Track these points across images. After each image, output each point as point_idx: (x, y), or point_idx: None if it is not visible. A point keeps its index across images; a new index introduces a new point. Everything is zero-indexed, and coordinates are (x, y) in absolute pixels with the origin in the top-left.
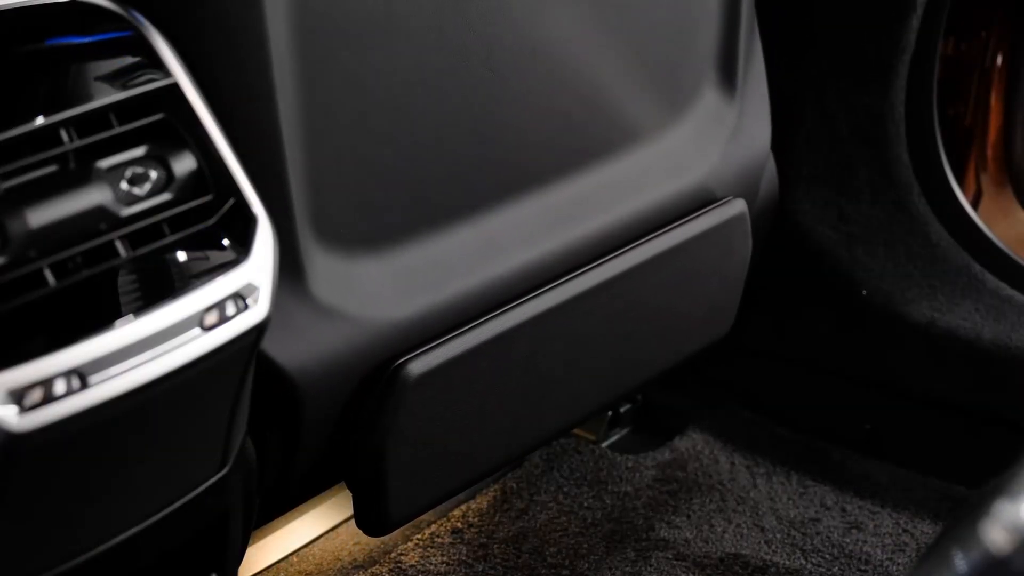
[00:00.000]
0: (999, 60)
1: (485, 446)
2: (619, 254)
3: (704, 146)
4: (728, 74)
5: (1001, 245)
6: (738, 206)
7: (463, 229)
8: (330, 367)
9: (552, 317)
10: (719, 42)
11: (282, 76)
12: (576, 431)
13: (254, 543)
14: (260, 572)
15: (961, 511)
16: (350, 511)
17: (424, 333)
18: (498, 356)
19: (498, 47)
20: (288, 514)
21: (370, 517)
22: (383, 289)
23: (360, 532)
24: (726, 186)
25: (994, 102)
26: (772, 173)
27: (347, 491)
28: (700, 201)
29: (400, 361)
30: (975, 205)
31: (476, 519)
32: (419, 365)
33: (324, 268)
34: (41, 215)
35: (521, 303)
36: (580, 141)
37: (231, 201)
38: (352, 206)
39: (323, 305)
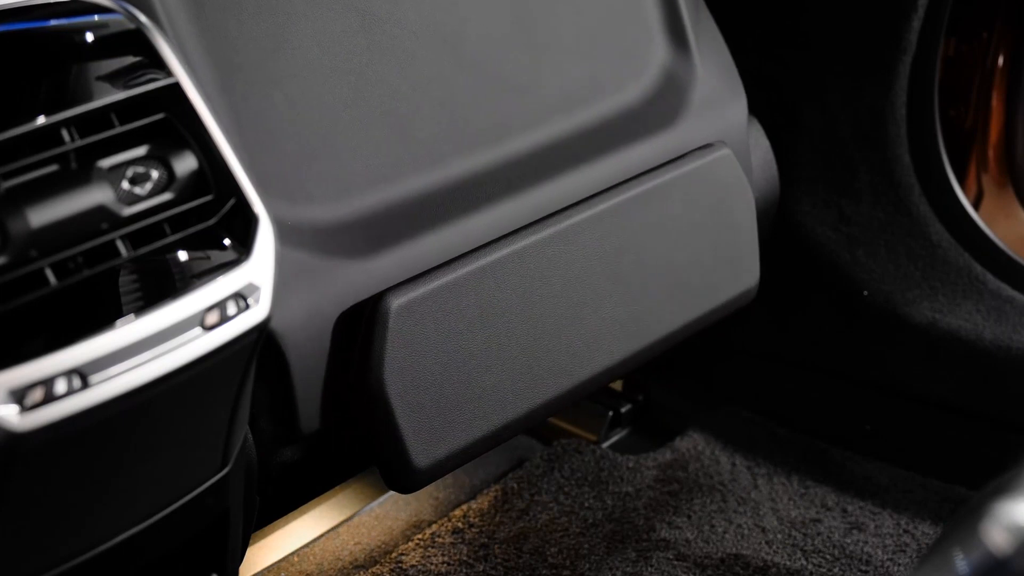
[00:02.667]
0: (1000, 60)
1: (494, 391)
2: (596, 195)
3: (667, 100)
4: (677, 34)
5: (1002, 246)
6: (721, 151)
7: (426, 181)
8: (306, 315)
9: (535, 253)
10: (661, 5)
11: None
12: (577, 431)
13: (254, 543)
14: (260, 572)
15: (962, 512)
16: (351, 511)
17: (402, 274)
18: (483, 291)
19: (454, 11)
20: (288, 514)
21: (395, 469)
22: (349, 237)
23: (361, 532)
24: (703, 138)
25: (995, 102)
26: (772, 172)
27: (347, 491)
28: (676, 152)
29: (379, 296)
30: (976, 206)
31: (477, 519)
32: (398, 297)
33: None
34: (42, 215)
35: (494, 241)
36: (536, 99)
37: (232, 201)
38: (296, 161)
39: (288, 258)
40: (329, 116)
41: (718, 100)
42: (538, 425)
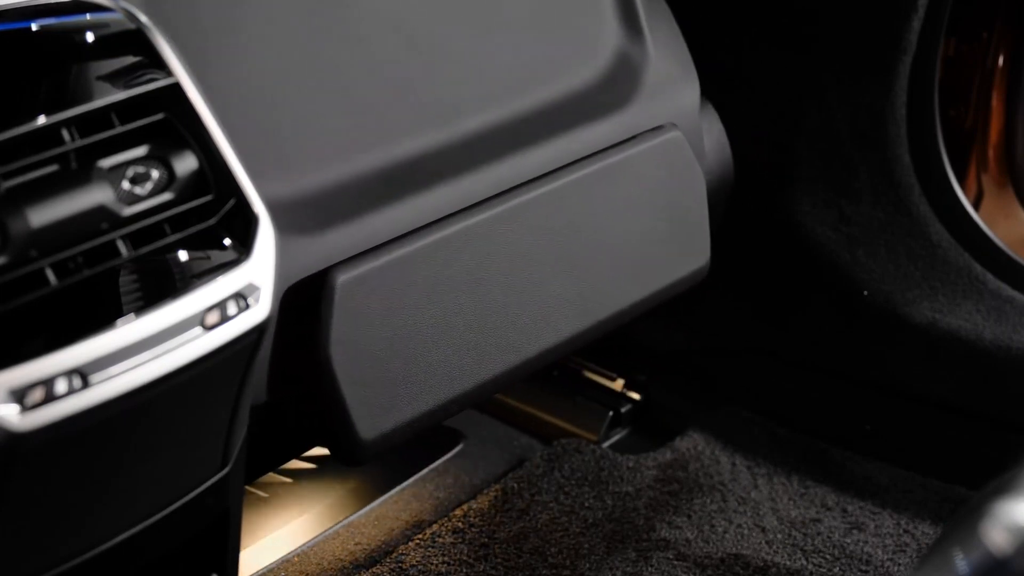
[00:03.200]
0: (1000, 60)
1: (440, 366)
2: (545, 175)
3: (619, 83)
4: (630, 17)
5: (1002, 246)
6: (671, 133)
7: (377, 159)
8: None
9: (483, 230)
10: None
11: None
12: (577, 431)
13: (255, 543)
14: (261, 572)
15: (962, 512)
16: (351, 511)
17: (351, 251)
18: (431, 267)
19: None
20: (288, 514)
21: (342, 442)
22: (299, 214)
23: (361, 532)
24: (654, 121)
25: (995, 103)
26: (726, 155)
27: (348, 491)
28: (627, 134)
29: (326, 271)
30: (976, 206)
31: (477, 519)
32: (345, 272)
33: None
34: (42, 215)
35: (443, 219)
36: (488, 80)
37: (232, 201)
38: (245, 139)
39: None
40: (278, 95)
41: (670, 83)
42: (485, 400)
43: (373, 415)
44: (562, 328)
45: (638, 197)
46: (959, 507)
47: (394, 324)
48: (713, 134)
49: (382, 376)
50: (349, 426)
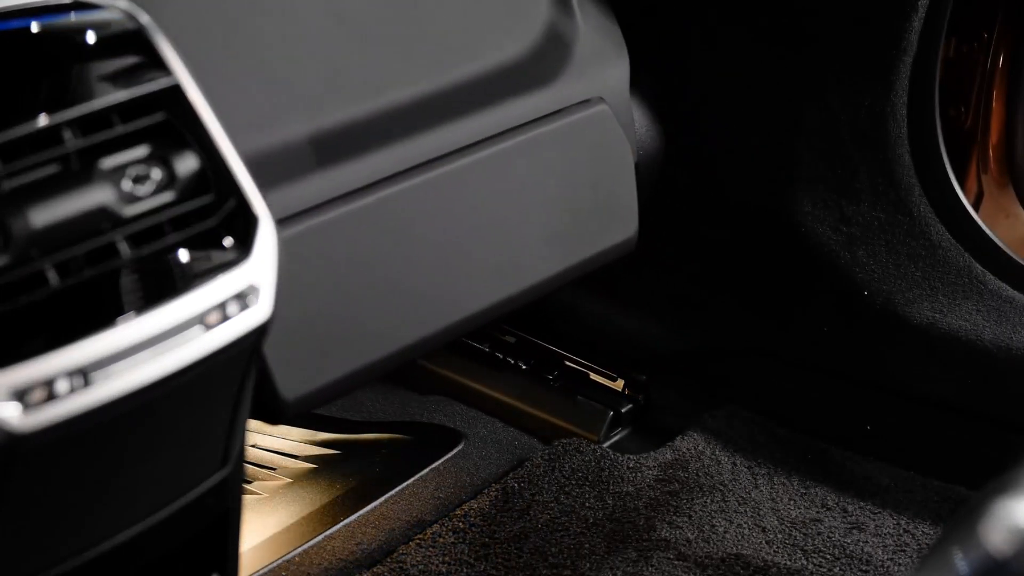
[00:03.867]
0: (1001, 61)
1: (364, 330)
2: (472, 145)
3: (548, 57)
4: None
5: (1003, 246)
6: (599, 107)
7: (301, 129)
8: None
9: (408, 198)
10: None
11: None
12: (577, 431)
13: (255, 543)
14: (261, 572)
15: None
16: (351, 511)
17: (275, 217)
18: (355, 233)
19: None
20: (288, 514)
21: (264, 401)
22: None
23: (361, 532)
24: (583, 95)
25: (996, 103)
26: (655, 131)
27: (348, 491)
28: (556, 107)
29: None
30: (976, 206)
31: (478, 519)
32: None
33: None
34: (44, 215)
35: (368, 186)
36: (416, 53)
37: (233, 201)
38: None
39: None
40: (202, 66)
41: (600, 59)
42: (408, 362)
43: (296, 375)
44: (486, 295)
45: (564, 169)
46: (959, 507)
47: (318, 288)
48: (643, 110)
49: (305, 338)
50: (271, 385)
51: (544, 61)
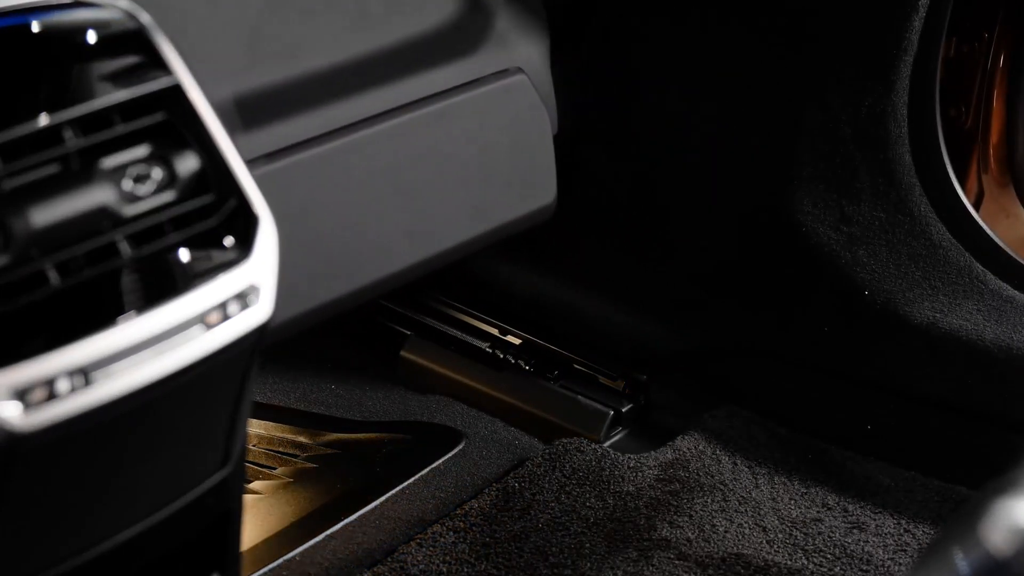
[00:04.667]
0: (1001, 61)
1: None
2: (388, 111)
3: (468, 27)
4: None
5: (1003, 246)
6: (517, 76)
7: (215, 94)
8: None
9: (322, 163)
10: None
11: None
12: (578, 431)
13: (256, 543)
14: (262, 572)
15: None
16: (351, 511)
17: None
18: (269, 196)
19: None
20: (288, 514)
21: None
22: None
23: (361, 532)
24: (502, 65)
25: (996, 102)
26: (574, 96)
27: (348, 491)
28: (475, 76)
29: None
30: (977, 206)
31: (478, 518)
32: None
33: None
34: (44, 215)
35: (280, 151)
36: (331, 19)
37: (233, 201)
38: None
39: None
40: None
41: (520, 31)
42: (318, 324)
43: None
44: (402, 257)
45: (482, 136)
46: (959, 506)
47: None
48: (563, 81)
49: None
50: None
51: (464, 31)
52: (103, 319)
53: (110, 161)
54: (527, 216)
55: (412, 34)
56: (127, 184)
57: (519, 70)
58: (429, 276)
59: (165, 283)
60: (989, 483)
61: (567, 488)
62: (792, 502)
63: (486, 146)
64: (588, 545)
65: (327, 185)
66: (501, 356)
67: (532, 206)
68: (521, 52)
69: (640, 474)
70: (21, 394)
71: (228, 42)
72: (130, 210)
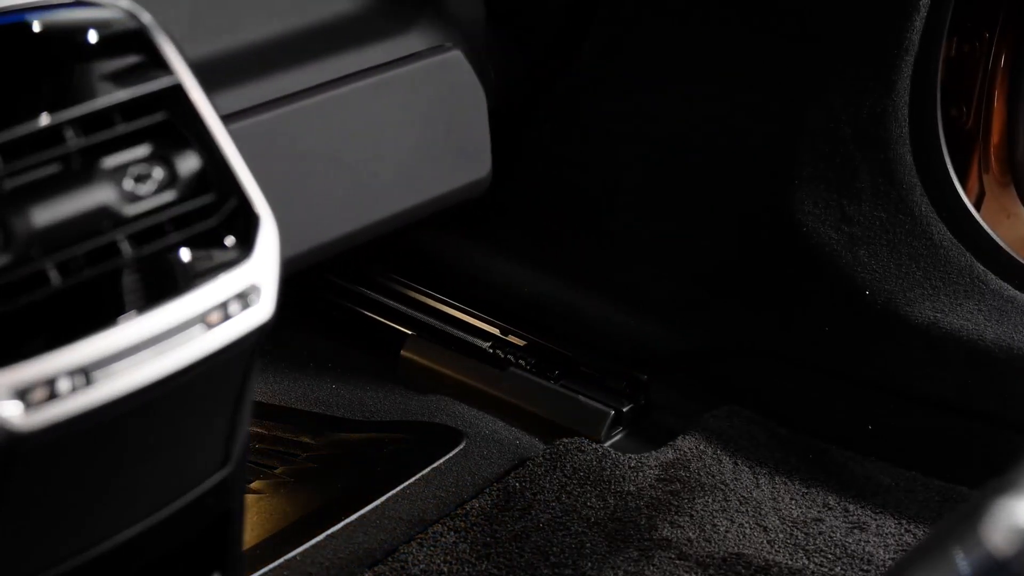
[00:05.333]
0: (1002, 60)
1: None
2: (322, 84)
3: (403, 3)
4: None
5: (1004, 246)
6: (451, 52)
7: None
8: None
9: (256, 134)
10: None
11: None
12: (578, 430)
13: (256, 542)
14: (262, 572)
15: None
16: (351, 511)
17: None
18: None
19: None
20: (289, 514)
21: None
22: None
23: (361, 532)
24: (437, 41)
25: (997, 102)
26: (512, 78)
27: (348, 491)
28: (409, 51)
29: None
30: (978, 206)
31: (479, 518)
32: None
33: None
34: (45, 214)
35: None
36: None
37: (234, 201)
38: None
39: None
40: None
41: (457, 7)
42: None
43: None
44: (335, 227)
45: (417, 109)
46: (958, 507)
47: None
48: (500, 56)
49: None
50: None
51: (400, 8)
52: (104, 319)
53: (111, 161)
54: (462, 189)
55: (348, 10)
56: (128, 184)
57: (453, 46)
58: (428, 276)
59: (166, 283)
60: (989, 483)
61: (568, 488)
62: (793, 502)
63: (420, 120)
64: (589, 545)
65: (260, 156)
66: (502, 356)
67: (466, 179)
68: (457, 29)
69: (641, 474)
70: (22, 394)
71: (168, 14)
72: (131, 210)
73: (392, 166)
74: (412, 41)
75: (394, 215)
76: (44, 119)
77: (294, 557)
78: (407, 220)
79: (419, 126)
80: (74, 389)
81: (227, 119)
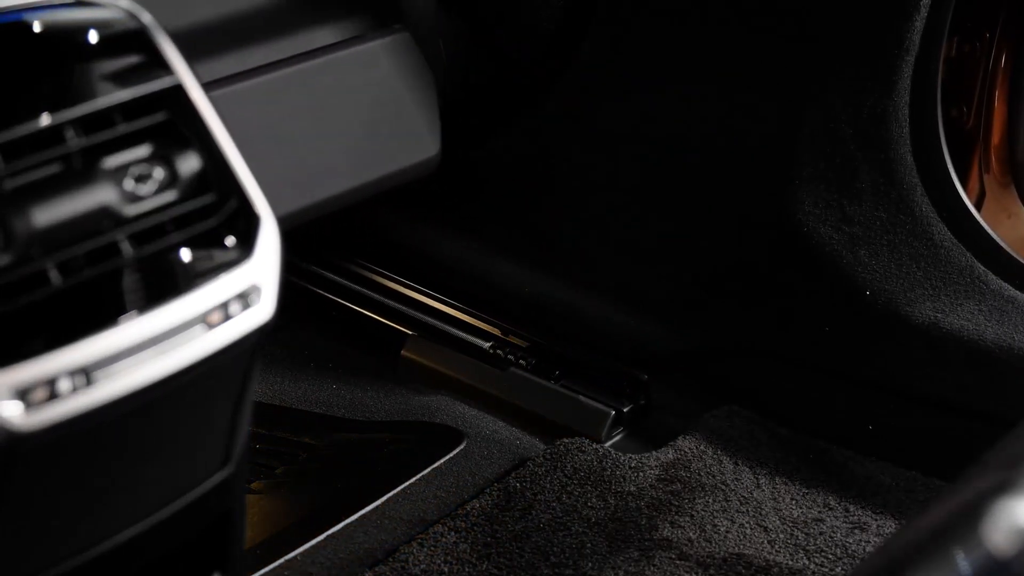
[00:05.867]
0: (1003, 60)
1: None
2: (269, 64)
3: None
4: None
5: (1004, 246)
6: (399, 33)
7: None
8: None
9: (217, 108)
10: None
11: None
12: (579, 430)
13: (257, 542)
14: (263, 572)
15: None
16: (351, 511)
17: None
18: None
19: None
20: (289, 514)
21: None
22: None
23: (362, 532)
24: (385, 22)
25: (998, 102)
26: (463, 60)
27: (348, 491)
28: (358, 33)
29: None
30: (979, 206)
31: (479, 518)
32: None
33: None
34: (46, 214)
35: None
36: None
37: (234, 201)
38: None
39: None
40: None
41: None
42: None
43: None
44: (284, 204)
45: (365, 90)
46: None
47: None
48: (452, 38)
49: None
50: None
51: None
52: (104, 319)
53: (112, 161)
54: (410, 168)
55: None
56: (128, 184)
57: (403, 28)
58: (429, 276)
59: (166, 283)
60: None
61: (568, 488)
62: (793, 502)
63: (367, 100)
64: (589, 545)
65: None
66: (502, 356)
67: (414, 159)
68: (406, 11)
69: (641, 474)
70: (22, 394)
71: None
72: (131, 210)
73: (339, 145)
74: (362, 23)
75: (341, 194)
76: (45, 119)
77: (294, 557)
78: (355, 199)
79: (366, 106)
80: (75, 389)
81: None
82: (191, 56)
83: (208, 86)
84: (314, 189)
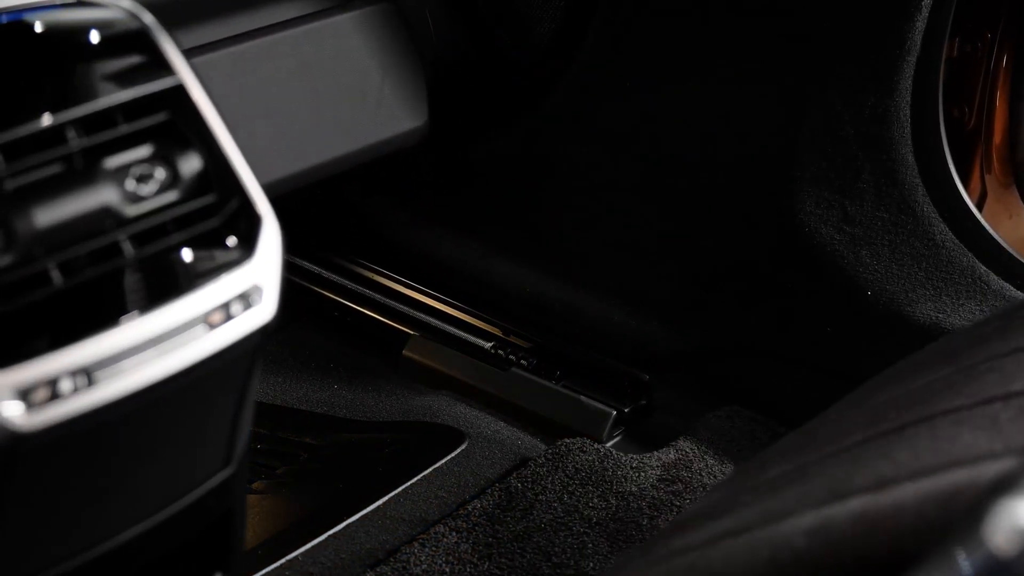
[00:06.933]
0: (1004, 61)
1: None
2: (254, 31)
3: None
4: None
5: (1006, 246)
6: (384, 4)
7: None
8: None
9: (202, 75)
10: None
11: None
12: (580, 430)
13: (257, 542)
14: (264, 572)
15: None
16: (352, 511)
17: None
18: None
19: None
20: (290, 514)
21: None
22: None
23: (363, 532)
24: None
25: (999, 103)
26: (452, 32)
27: (349, 491)
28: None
29: None
30: (980, 206)
31: (480, 518)
32: None
33: None
34: (47, 214)
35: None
36: None
37: (236, 201)
38: None
39: None
40: None
41: None
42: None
43: None
44: (271, 170)
45: (349, 59)
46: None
47: None
48: (439, 9)
49: None
50: None
51: None
52: (106, 319)
53: (113, 161)
54: (397, 137)
55: None
56: (130, 184)
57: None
58: (430, 276)
59: (168, 283)
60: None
61: (569, 488)
62: None
63: (353, 69)
64: (591, 545)
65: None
66: (503, 356)
67: (401, 128)
68: None
69: (642, 474)
70: (24, 394)
71: None
72: (133, 210)
73: (325, 113)
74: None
75: (326, 162)
76: (46, 119)
77: (296, 557)
78: (341, 168)
79: (352, 75)
80: (76, 389)
81: None
82: (173, 24)
83: (190, 52)
84: (299, 157)
